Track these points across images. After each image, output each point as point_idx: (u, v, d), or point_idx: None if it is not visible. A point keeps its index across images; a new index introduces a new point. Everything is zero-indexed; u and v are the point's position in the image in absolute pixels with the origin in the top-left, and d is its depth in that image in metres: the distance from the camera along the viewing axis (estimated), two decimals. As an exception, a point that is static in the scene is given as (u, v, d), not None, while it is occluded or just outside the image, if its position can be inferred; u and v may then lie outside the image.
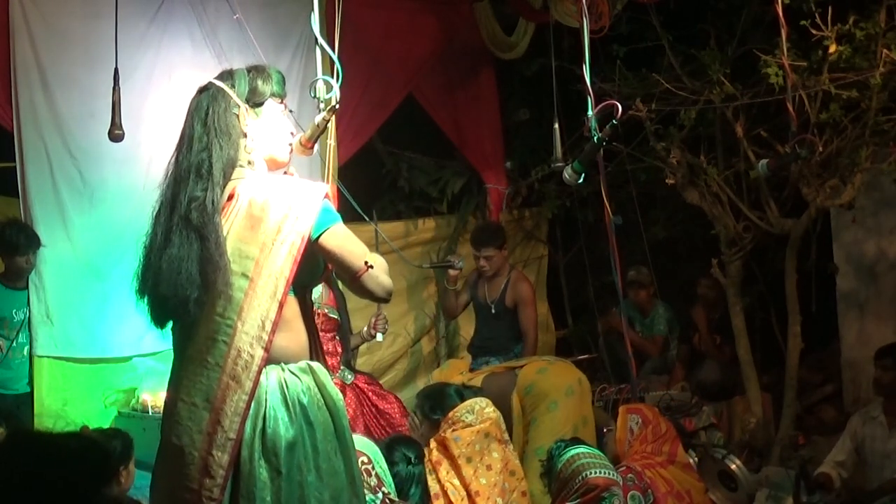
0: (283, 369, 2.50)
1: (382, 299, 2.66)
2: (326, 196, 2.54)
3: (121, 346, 4.82)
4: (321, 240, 2.49)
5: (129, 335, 4.76)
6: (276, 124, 2.66)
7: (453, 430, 3.66)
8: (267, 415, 2.45)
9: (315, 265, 2.57)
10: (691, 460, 4.31)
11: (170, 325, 2.55)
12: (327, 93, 2.76)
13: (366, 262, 2.51)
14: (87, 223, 4.74)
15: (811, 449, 5.21)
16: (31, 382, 4.68)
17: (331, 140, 3.12)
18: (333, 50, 2.92)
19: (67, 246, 4.71)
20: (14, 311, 4.75)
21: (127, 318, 4.65)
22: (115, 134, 3.91)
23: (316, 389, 2.53)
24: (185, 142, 2.55)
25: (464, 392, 3.96)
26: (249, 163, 2.59)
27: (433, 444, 3.68)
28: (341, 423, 2.55)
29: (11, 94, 4.57)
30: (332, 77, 2.76)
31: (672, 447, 3.97)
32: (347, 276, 2.57)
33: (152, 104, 4.81)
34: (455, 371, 5.23)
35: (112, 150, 4.31)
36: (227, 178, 2.52)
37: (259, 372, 2.44)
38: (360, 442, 3.40)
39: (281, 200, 2.48)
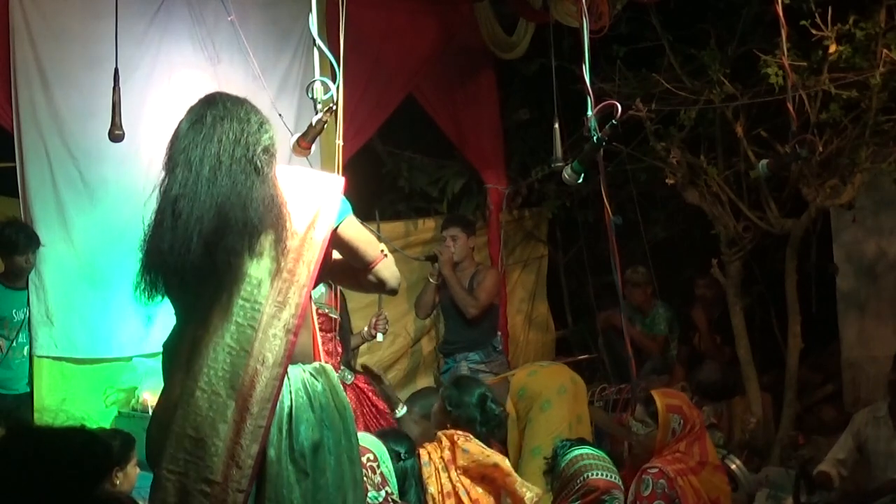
0: (303, 370, 2.51)
1: (393, 289, 2.68)
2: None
3: (121, 347, 4.82)
4: (339, 230, 2.52)
5: (130, 335, 4.76)
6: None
7: (466, 440, 3.63)
8: (293, 415, 2.44)
9: (326, 259, 2.58)
10: (733, 465, 4.30)
11: (167, 324, 2.55)
12: (325, 94, 2.77)
13: (381, 251, 2.57)
14: (87, 223, 4.74)
15: (811, 449, 5.21)
16: (30, 382, 4.68)
17: (339, 140, 3.12)
18: (336, 51, 2.92)
19: (67, 246, 4.71)
20: (14, 311, 4.75)
21: (127, 318, 4.66)
22: (115, 134, 3.91)
23: (328, 390, 2.53)
24: (241, 118, 2.46)
25: (487, 402, 3.85)
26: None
27: (445, 440, 3.65)
28: (349, 426, 2.56)
29: (11, 93, 4.57)
30: (331, 78, 2.76)
31: (701, 446, 3.88)
32: (362, 266, 2.60)
33: (152, 104, 4.81)
34: None
35: (112, 150, 4.31)
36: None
37: (288, 358, 2.42)
38: (367, 439, 3.41)
39: (306, 191, 2.50)
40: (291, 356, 2.44)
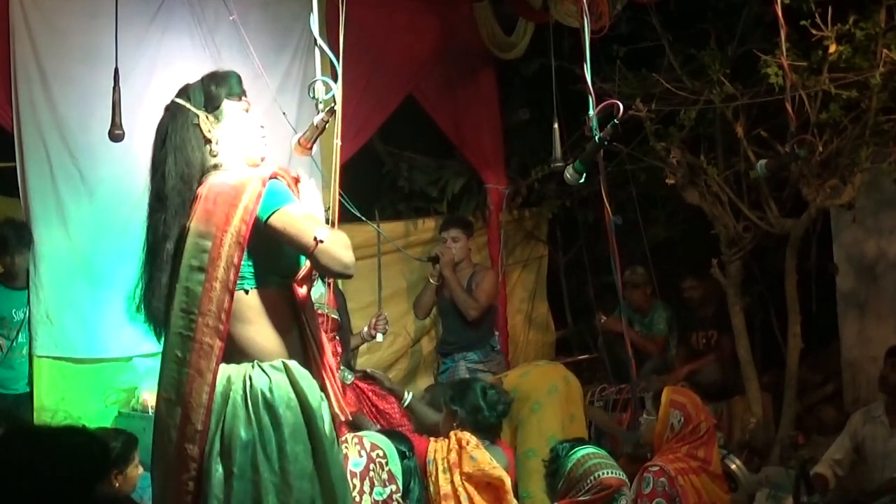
0: (252, 366, 2.52)
1: (342, 274, 2.59)
2: (275, 177, 2.55)
3: (121, 346, 4.81)
4: (270, 221, 2.50)
5: (130, 335, 4.72)
6: (238, 124, 2.68)
7: (477, 447, 3.64)
8: (227, 412, 2.47)
9: (278, 252, 2.57)
10: (733, 465, 4.30)
11: None
12: (326, 94, 2.76)
13: (315, 238, 2.46)
14: (86, 223, 4.74)
15: (811, 449, 5.21)
16: (30, 382, 4.68)
17: (337, 139, 3.11)
18: (335, 50, 2.91)
19: (67, 245, 4.70)
20: (13, 310, 4.75)
21: (127, 318, 4.64)
22: (116, 134, 3.90)
23: (287, 388, 2.51)
24: (152, 166, 2.66)
25: (488, 390, 3.93)
26: (216, 166, 2.63)
27: (453, 442, 3.66)
28: (316, 426, 2.53)
29: (11, 93, 4.57)
30: (331, 78, 2.76)
31: (707, 452, 3.90)
32: (304, 255, 2.57)
33: (152, 104, 4.79)
34: None
35: (112, 149, 4.31)
36: (183, 194, 2.58)
37: (217, 363, 2.48)
38: (378, 437, 3.42)
39: (228, 190, 2.51)
40: (221, 361, 2.49)
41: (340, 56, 2.90)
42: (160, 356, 2.63)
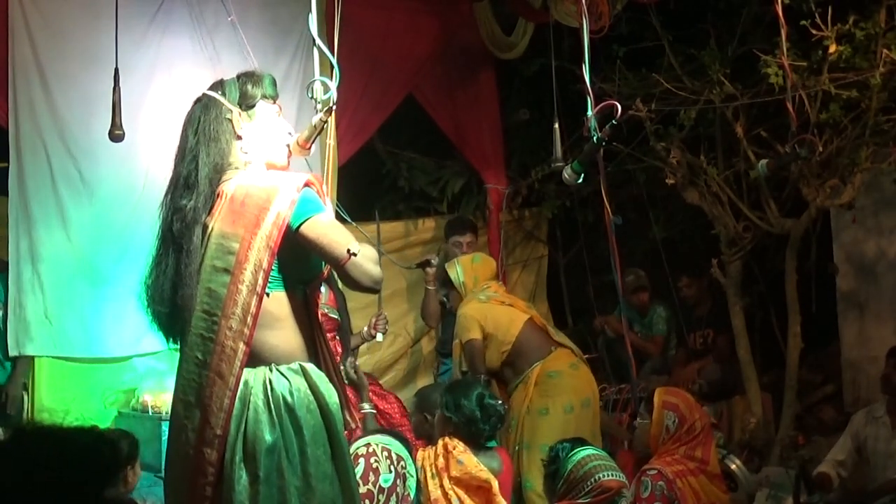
0: (271, 370, 2.51)
1: (370, 289, 2.59)
2: (309, 185, 2.54)
3: (120, 346, 4.81)
4: (302, 229, 2.48)
5: (129, 335, 4.75)
6: (269, 125, 2.68)
7: (464, 452, 3.65)
8: (248, 417, 2.45)
9: (305, 259, 2.57)
10: (733, 465, 4.31)
11: None
12: (324, 94, 2.77)
13: (348, 251, 2.47)
14: (86, 223, 4.74)
15: (811, 449, 5.21)
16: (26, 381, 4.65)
17: (330, 140, 3.11)
18: (332, 50, 2.92)
19: (67, 246, 4.70)
20: None
21: (126, 317, 4.65)
22: (116, 134, 3.91)
23: (307, 391, 2.52)
24: (180, 153, 2.61)
25: (486, 399, 3.88)
26: (246, 164, 2.62)
27: (440, 448, 3.66)
28: (335, 428, 2.54)
29: (9, 93, 4.57)
30: (330, 78, 2.76)
31: (704, 451, 3.88)
32: (333, 266, 2.56)
33: (152, 104, 4.81)
34: (488, 268, 4.97)
35: (111, 149, 4.31)
36: (213, 184, 2.55)
37: (241, 367, 2.45)
38: (399, 447, 3.41)
39: (259, 193, 2.50)
40: (244, 365, 2.46)
41: (335, 51, 2.90)
42: (160, 355, 2.61)
